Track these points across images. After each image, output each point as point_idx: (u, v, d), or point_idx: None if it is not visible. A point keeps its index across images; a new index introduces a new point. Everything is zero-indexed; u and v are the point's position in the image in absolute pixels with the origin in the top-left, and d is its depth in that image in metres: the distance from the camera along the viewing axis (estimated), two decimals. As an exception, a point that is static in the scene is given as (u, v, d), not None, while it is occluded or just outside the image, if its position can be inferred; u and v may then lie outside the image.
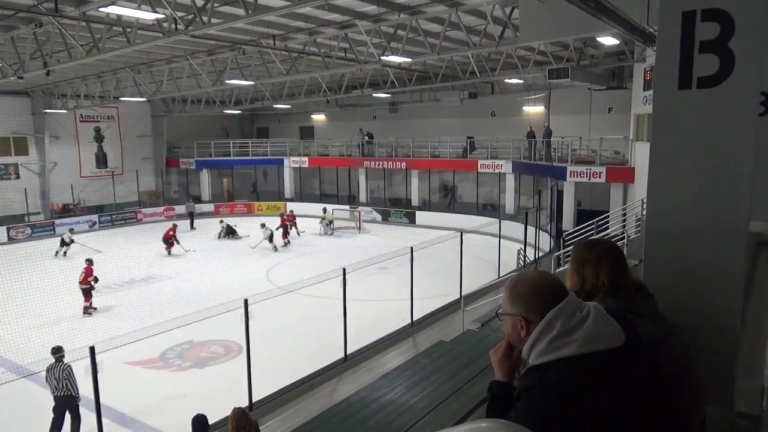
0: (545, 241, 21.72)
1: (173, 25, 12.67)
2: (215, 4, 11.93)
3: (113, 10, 11.81)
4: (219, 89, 26.38)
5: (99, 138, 32.75)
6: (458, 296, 14.26)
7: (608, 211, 19.08)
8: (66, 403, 8.90)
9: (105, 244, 23.42)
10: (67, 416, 8.95)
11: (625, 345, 1.54)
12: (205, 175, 35.86)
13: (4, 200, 28.37)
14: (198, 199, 34.20)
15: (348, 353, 11.57)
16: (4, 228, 27.19)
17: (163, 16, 12.31)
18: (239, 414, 6.76)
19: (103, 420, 8.28)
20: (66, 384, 8.80)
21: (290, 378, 10.54)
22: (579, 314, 1.55)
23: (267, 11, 12.17)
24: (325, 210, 28.23)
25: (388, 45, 15.78)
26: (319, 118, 38.07)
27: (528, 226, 19.66)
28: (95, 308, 15.86)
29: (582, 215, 20.62)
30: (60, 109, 28.66)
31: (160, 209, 33.53)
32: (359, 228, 28.87)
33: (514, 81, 24.41)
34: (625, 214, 18.02)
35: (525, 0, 11.82)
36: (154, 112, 34.14)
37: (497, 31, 14.58)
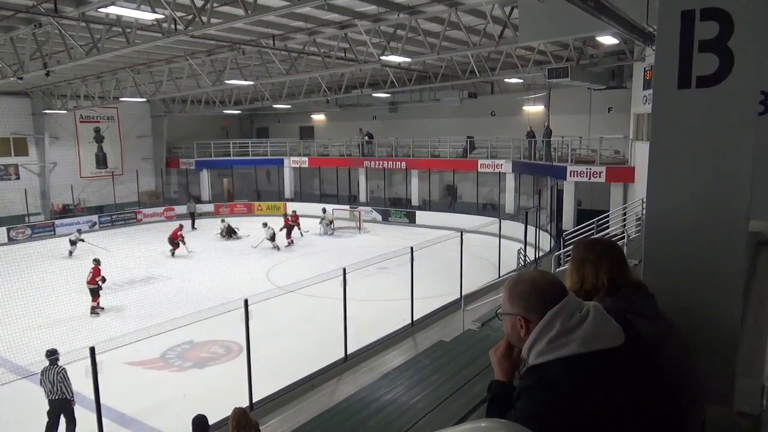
0: (545, 241, 21.72)
1: (173, 26, 12.66)
2: (215, 4, 11.92)
3: (113, 10, 11.81)
4: (219, 89, 26.38)
5: (99, 138, 32.75)
6: (458, 296, 14.26)
7: (608, 211, 19.07)
8: (61, 406, 8.82)
9: (105, 245, 23.37)
10: (62, 420, 8.87)
11: (624, 344, 1.53)
12: (205, 176, 35.85)
13: (4, 201, 28.36)
14: (198, 200, 34.20)
15: (348, 353, 11.57)
16: (4, 228, 27.18)
17: (162, 16, 12.31)
18: (239, 414, 6.77)
19: (104, 420, 8.28)
20: (61, 387, 8.72)
21: (290, 378, 10.54)
22: (578, 314, 1.55)
23: (266, 11, 12.17)
24: (324, 210, 28.23)
25: (388, 45, 15.78)
26: (318, 118, 38.07)
27: (528, 226, 19.66)
28: (102, 308, 15.86)
29: (582, 215, 20.62)
30: (60, 109, 28.65)
31: (160, 209, 33.54)
32: (359, 228, 28.87)
33: (514, 80, 24.41)
34: (625, 214, 18.03)
35: (524, -1, 11.83)
36: (154, 112, 34.14)
37: (497, 31, 14.58)
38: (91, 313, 15.59)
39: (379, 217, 31.35)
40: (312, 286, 12.63)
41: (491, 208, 28.43)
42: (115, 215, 31.56)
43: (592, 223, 17.19)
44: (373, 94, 27.93)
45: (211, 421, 7.42)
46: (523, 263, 18.66)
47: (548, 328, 1.53)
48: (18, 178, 29.50)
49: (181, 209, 32.97)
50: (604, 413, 1.44)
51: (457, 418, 5.78)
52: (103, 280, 15.85)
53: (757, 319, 3.08)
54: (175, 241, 22.83)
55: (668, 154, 2.28)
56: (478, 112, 29.43)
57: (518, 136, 26.70)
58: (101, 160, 33.00)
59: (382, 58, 16.49)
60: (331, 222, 28.04)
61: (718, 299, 2.22)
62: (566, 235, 17.83)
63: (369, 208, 31.66)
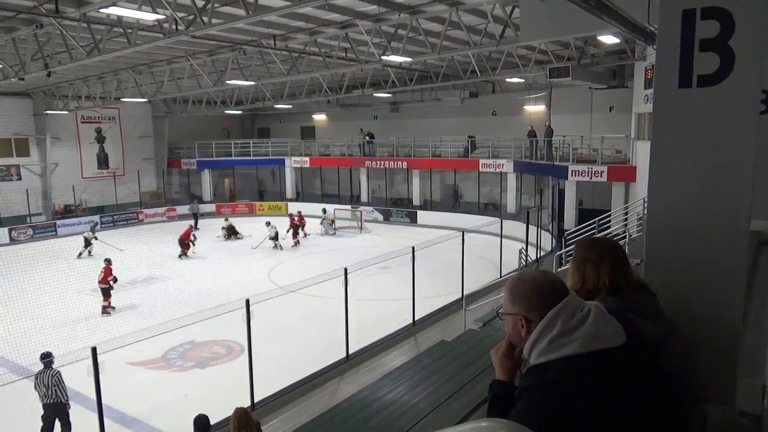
0: (547, 241, 21.71)
1: (174, 26, 12.67)
2: (215, 5, 11.93)
3: (114, 11, 11.83)
4: (220, 89, 26.38)
5: (100, 139, 32.78)
6: (460, 296, 14.26)
7: (610, 210, 19.06)
8: (56, 410, 8.72)
9: (106, 245, 23.41)
10: (57, 425, 8.80)
11: (626, 344, 1.53)
12: (206, 176, 35.87)
13: (6, 201, 28.40)
14: (201, 200, 34.23)
15: (350, 353, 11.57)
16: (5, 229, 27.21)
17: (163, 16, 12.32)
18: (241, 414, 6.77)
19: (105, 420, 8.29)
20: (56, 391, 8.62)
21: (292, 378, 10.55)
22: (580, 313, 1.55)
23: (267, 11, 12.17)
24: (324, 211, 28.22)
25: (389, 45, 15.78)
26: (320, 118, 38.08)
27: (529, 226, 19.65)
28: (114, 307, 15.88)
29: (583, 214, 20.60)
30: (61, 110, 28.71)
31: (162, 210, 33.58)
32: (361, 228, 28.88)
33: (515, 80, 24.38)
34: (626, 213, 18.01)
35: (525, -1, 11.82)
36: (155, 112, 34.16)
37: (498, 31, 14.57)
38: (103, 312, 15.62)
39: (380, 217, 31.35)
40: (313, 286, 12.62)
41: (493, 208, 28.43)
42: (116, 215, 31.58)
43: (594, 223, 17.18)
44: (374, 94, 27.93)
45: (212, 421, 7.43)
46: (524, 263, 18.65)
47: (549, 327, 1.53)
48: (20, 178, 29.54)
49: (183, 209, 33.01)
50: (605, 413, 1.44)
51: (458, 417, 5.78)
52: (115, 279, 15.91)
53: (758, 319, 3.08)
54: (185, 241, 22.74)
55: (669, 153, 2.28)
56: (479, 111, 29.41)
57: (519, 135, 26.68)
58: (103, 161, 33.03)
59: (383, 58, 16.49)
60: (333, 221, 28.05)
61: (719, 299, 2.22)
62: (568, 235, 17.81)
63: (370, 208, 31.66)
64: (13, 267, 19.24)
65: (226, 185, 37.19)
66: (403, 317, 13.54)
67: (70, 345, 10.26)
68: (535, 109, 27.57)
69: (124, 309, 15.99)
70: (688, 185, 2.25)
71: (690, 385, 1.90)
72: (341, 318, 11.49)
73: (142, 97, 25.52)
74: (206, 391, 10.59)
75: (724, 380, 2.22)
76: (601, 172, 20.83)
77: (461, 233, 15.23)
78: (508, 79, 24.10)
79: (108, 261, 16.31)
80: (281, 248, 23.82)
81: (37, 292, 15.82)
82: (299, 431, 7.94)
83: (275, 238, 23.92)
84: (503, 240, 18.33)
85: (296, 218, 25.71)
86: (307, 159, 34.96)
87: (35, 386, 8.76)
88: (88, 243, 23.07)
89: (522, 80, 24.72)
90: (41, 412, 8.78)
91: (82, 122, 31.61)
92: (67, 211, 30.61)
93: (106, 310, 15.70)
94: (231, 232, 26.65)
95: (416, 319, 13.52)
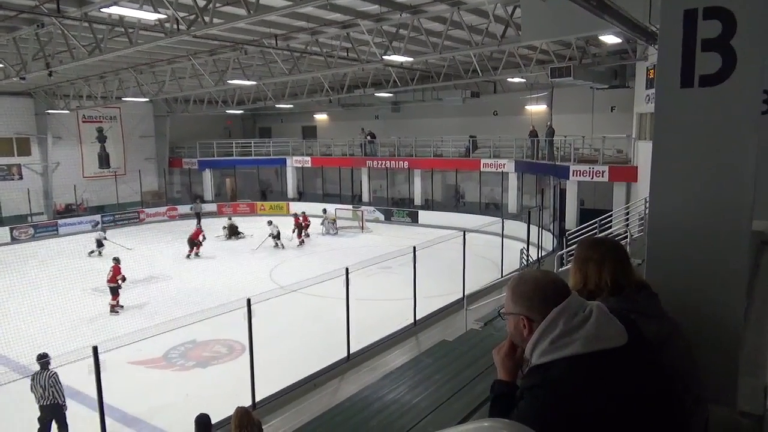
0: (548, 241, 21.70)
1: (175, 26, 12.68)
2: (217, 4, 11.95)
3: (115, 10, 11.84)
4: (221, 89, 26.39)
5: (102, 138, 32.81)
6: (461, 296, 14.25)
7: (611, 210, 19.05)
8: (53, 412, 8.64)
9: (108, 244, 23.44)
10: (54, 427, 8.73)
11: (628, 344, 1.53)
12: (207, 175, 35.89)
13: (7, 200, 28.44)
14: (202, 200, 34.25)
15: (351, 352, 11.58)
16: (7, 228, 27.24)
17: (165, 16, 12.33)
18: (242, 413, 6.78)
19: (106, 420, 8.29)
20: (52, 392, 8.54)
21: (293, 377, 10.56)
22: (582, 313, 1.55)
23: (269, 11, 12.18)
24: (325, 211, 28.22)
25: (390, 44, 15.78)
26: (321, 117, 38.08)
27: (531, 226, 19.64)
28: (122, 306, 15.92)
29: (585, 214, 20.59)
30: (62, 109, 28.74)
31: (163, 209, 33.60)
32: (362, 227, 28.88)
33: (517, 80, 24.37)
34: (628, 213, 18.00)
35: (527, -1, 11.80)
36: (157, 112, 34.19)
37: (499, 30, 14.56)
38: (111, 311, 15.67)
39: (381, 217, 31.35)
40: (315, 286, 12.63)
41: (494, 208, 28.43)
42: (117, 215, 31.59)
43: (595, 223, 17.18)
44: (376, 94, 27.93)
45: (213, 421, 7.43)
46: (525, 263, 18.64)
47: (551, 327, 1.53)
48: (21, 178, 29.58)
49: (184, 209, 33.04)
50: (607, 413, 1.44)
51: (459, 417, 5.78)
52: (123, 279, 15.97)
53: (759, 319, 3.08)
54: (195, 241, 22.75)
55: (671, 153, 2.27)
56: (480, 111, 29.40)
57: (521, 135, 26.67)
58: (104, 160, 33.06)
59: (384, 57, 16.48)
60: (334, 221, 28.07)
61: (720, 299, 2.22)
62: (569, 235, 17.80)
63: (371, 208, 31.66)
64: (15, 266, 19.29)
65: (227, 185, 37.21)
66: (404, 317, 13.54)
67: (71, 344, 10.26)
68: (536, 108, 27.55)
69: (126, 308, 15.98)
70: (689, 185, 2.25)
71: (692, 385, 1.89)
72: (342, 317, 11.49)
73: (144, 97, 25.53)
74: (207, 391, 10.59)
75: (725, 380, 2.22)
76: (603, 172, 20.83)
77: (462, 233, 15.23)
78: (509, 79, 24.09)
79: (116, 260, 16.40)
80: (283, 247, 23.85)
81: (39, 291, 15.83)
82: (300, 431, 7.95)
83: (277, 237, 23.94)
84: (504, 240, 18.32)
85: (300, 218, 25.74)
86: (308, 159, 34.97)
87: (31, 388, 8.66)
88: (100, 244, 23.14)
89: (523, 80, 24.70)
90: (38, 413, 8.68)
91: (84, 122, 31.63)
92: (68, 211, 30.63)
93: (115, 309, 15.75)
94: (232, 232, 26.66)
95: (417, 318, 13.52)
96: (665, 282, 2.25)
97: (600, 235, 15.33)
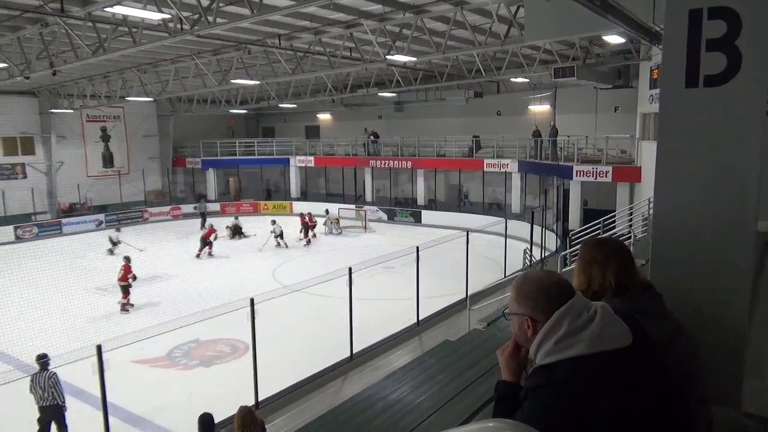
0: (551, 241, 21.66)
1: (179, 25, 12.70)
2: (220, 4, 11.95)
3: (119, 10, 11.88)
4: (225, 89, 26.42)
5: (105, 137, 32.89)
6: (464, 296, 14.25)
7: (615, 211, 19.01)
8: (53, 413, 8.53)
9: (127, 245, 23.51)
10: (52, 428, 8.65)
11: (632, 345, 1.53)
12: (211, 175, 35.95)
13: (11, 199, 28.53)
14: (207, 199, 34.29)
15: (354, 352, 11.58)
16: (11, 227, 27.33)
17: (168, 16, 12.35)
18: (245, 413, 6.78)
19: (110, 419, 8.31)
20: (52, 393, 8.44)
21: (296, 377, 10.56)
22: (586, 314, 1.55)
23: (272, 11, 12.19)
24: (327, 211, 28.23)
25: (394, 44, 15.78)
26: (324, 117, 38.10)
27: (534, 226, 19.62)
28: (132, 305, 15.98)
29: (588, 214, 20.56)
30: (66, 108, 28.81)
31: (167, 208, 33.66)
32: (365, 227, 28.89)
33: (520, 80, 24.36)
34: (631, 214, 17.96)
35: (530, -2, 11.78)
36: (160, 111, 34.25)
37: (503, 30, 14.55)
38: (122, 309, 15.73)
39: (384, 217, 31.35)
40: (318, 286, 12.64)
41: (497, 208, 28.40)
42: (121, 214, 31.66)
43: (599, 223, 17.13)
44: (379, 94, 27.92)
45: (216, 420, 7.44)
46: (529, 263, 18.63)
47: (556, 328, 1.53)
48: (25, 177, 29.68)
49: (188, 208, 33.10)
50: (611, 414, 1.44)
51: (462, 418, 5.79)
52: (134, 277, 16.04)
53: (764, 320, 3.07)
54: (208, 240, 22.80)
55: (676, 153, 2.27)
56: (483, 111, 29.38)
57: (524, 135, 26.62)
58: (108, 159, 33.14)
59: (387, 57, 16.48)
60: (337, 221, 28.09)
61: (725, 299, 2.22)
62: (572, 235, 17.77)
63: (374, 208, 31.67)
64: (18, 265, 19.33)
65: (231, 184, 37.27)
66: (408, 317, 13.54)
67: (75, 343, 10.28)
68: (539, 108, 27.51)
69: (128, 307, 15.99)
70: (694, 185, 2.25)
71: (696, 386, 1.89)
72: (345, 317, 11.50)
73: (147, 96, 25.57)
74: (210, 390, 10.60)
75: (730, 381, 2.21)
76: (606, 172, 20.79)
77: (466, 233, 15.22)
78: (512, 79, 24.07)
79: (127, 259, 16.48)
80: (286, 246, 23.90)
81: (42, 290, 15.86)
82: (303, 430, 7.96)
83: (280, 236, 23.98)
84: (507, 240, 18.31)
85: (307, 218, 25.79)
86: (311, 158, 34.98)
87: (31, 389, 8.55)
88: (114, 242, 23.25)
89: (527, 80, 24.69)
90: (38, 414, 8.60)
91: (87, 121, 31.72)
92: (72, 210, 30.70)
93: (125, 307, 15.82)
94: (236, 231, 26.69)
95: (420, 318, 13.52)
96: (670, 282, 2.25)
97: (603, 235, 15.31)
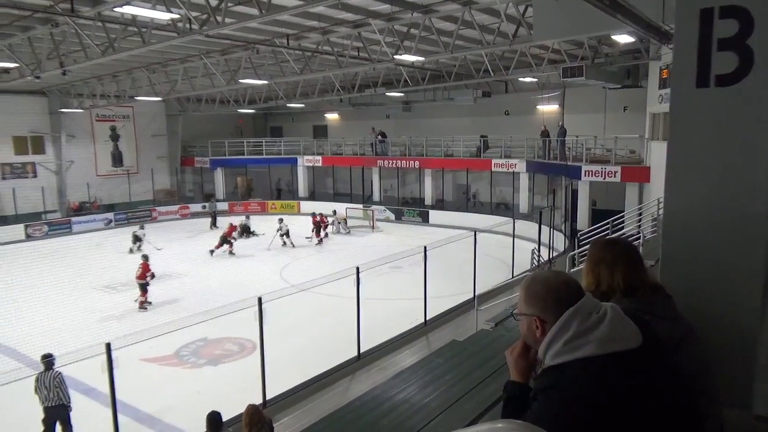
0: (559, 241, 21.58)
1: (187, 25, 12.75)
2: (229, 4, 12.00)
3: (128, 10, 11.94)
4: (233, 88, 26.51)
5: (114, 137, 33.10)
6: (472, 296, 14.22)
7: (623, 211, 18.92)
8: (58, 413, 8.46)
9: (121, 242, 23.62)
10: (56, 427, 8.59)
11: (642, 346, 1.52)
12: (219, 174, 36.07)
13: (22, 198, 28.74)
14: (216, 199, 34.38)
15: (361, 352, 11.58)
16: (21, 226, 27.54)
17: (177, 16, 12.41)
18: (253, 411, 6.80)
19: (119, 417, 8.35)
20: (58, 393, 8.36)
21: (304, 376, 10.58)
22: (595, 315, 1.54)
23: (280, 11, 12.22)
24: (335, 212, 28.25)
25: (401, 44, 15.77)
26: (332, 117, 38.14)
27: (542, 226, 19.55)
28: (150, 302, 16.06)
29: (597, 215, 20.47)
30: (76, 108, 29.03)
31: (175, 207, 33.81)
32: (372, 227, 28.89)
33: (528, 79, 24.27)
34: (640, 214, 17.87)
35: (539, -2, 11.74)
36: (169, 111, 34.41)
37: (511, 30, 14.51)
38: (140, 307, 15.83)
39: (392, 217, 31.35)
40: (325, 285, 12.65)
41: (505, 208, 28.32)
42: (130, 213, 31.83)
43: (607, 224, 17.06)
44: (387, 93, 27.92)
45: (224, 418, 7.46)
46: (537, 263, 18.57)
47: (565, 328, 1.52)
48: (35, 175, 29.90)
49: (196, 207, 33.25)
50: (621, 415, 1.43)
51: (470, 418, 5.78)
52: (152, 276, 16.14)
53: (775, 321, 3.04)
54: (228, 238, 22.89)
55: (686, 153, 2.26)
56: (491, 111, 29.32)
57: (532, 135, 26.54)
58: (117, 159, 33.35)
59: (395, 57, 16.48)
60: (345, 221, 28.11)
61: (737, 301, 2.20)
62: (581, 236, 17.70)
63: (382, 207, 31.66)
64: (29, 263, 19.47)
65: (239, 183, 37.38)
66: (415, 317, 13.53)
67: (83, 341, 10.32)
68: (548, 108, 27.40)
69: (137, 305, 16.06)
70: (705, 186, 2.23)
71: (706, 388, 1.88)
72: (353, 317, 11.50)
73: (156, 96, 25.70)
74: (218, 388, 10.63)
75: (741, 384, 2.19)
76: (615, 172, 20.69)
77: (473, 233, 15.19)
78: (521, 79, 23.99)
79: (145, 257, 16.60)
80: (292, 245, 23.94)
81: (52, 288, 15.98)
82: (311, 429, 7.97)
83: (286, 234, 24.04)
84: (515, 240, 18.25)
85: (318, 217, 25.85)
86: (319, 158, 35.02)
87: (35, 389, 8.45)
88: (137, 239, 23.41)
89: (535, 80, 24.60)
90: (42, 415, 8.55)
91: (97, 120, 31.92)
92: (82, 209, 30.90)
93: (143, 305, 15.92)
94: (244, 230, 26.75)
95: (428, 318, 13.51)
96: (680, 283, 2.24)
97: (612, 235, 15.24)
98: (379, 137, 32.89)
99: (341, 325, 12.55)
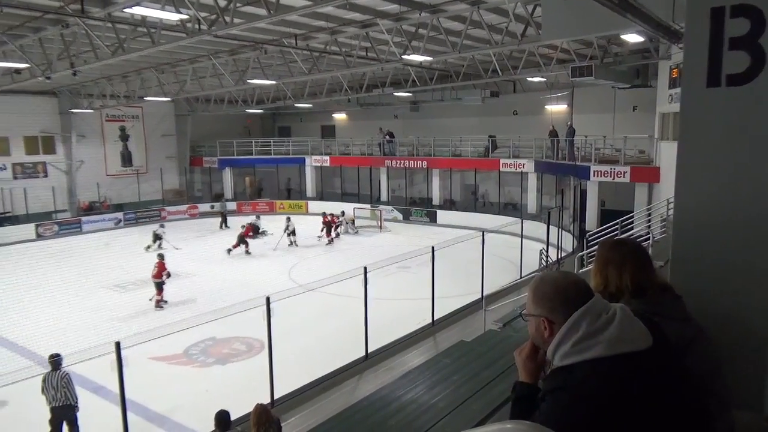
0: (568, 242, 21.51)
1: (196, 26, 12.80)
2: (238, 5, 12.03)
3: (138, 11, 11.98)
4: (241, 89, 26.59)
5: (124, 137, 33.31)
6: (479, 296, 14.19)
7: (633, 211, 18.81)
8: (65, 413, 8.41)
9: (130, 242, 23.75)
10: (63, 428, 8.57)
11: (652, 347, 1.51)
12: (227, 174, 36.20)
13: (32, 198, 28.97)
14: (226, 198, 34.49)
15: (369, 352, 11.58)
16: (32, 225, 27.75)
17: (186, 16, 12.45)
18: (261, 410, 6.82)
19: (129, 415, 8.39)
20: (65, 393, 8.31)
21: (311, 376, 10.59)
22: (605, 315, 1.53)
23: (289, 11, 12.24)
24: (343, 213, 28.26)
25: (410, 44, 15.76)
26: (340, 117, 38.18)
27: (550, 226, 19.48)
28: (166, 301, 16.16)
29: (606, 215, 20.36)
30: (86, 108, 29.24)
31: (184, 207, 33.96)
32: (380, 227, 28.90)
33: (537, 79, 24.20)
34: (650, 215, 17.76)
35: (548, -3, 11.69)
36: (178, 111, 34.57)
37: (519, 29, 14.46)
38: (156, 306, 15.93)
39: (400, 217, 31.33)
40: (333, 285, 12.65)
41: (513, 208, 28.25)
42: (139, 213, 32.00)
43: (616, 224, 16.96)
44: (395, 93, 27.89)
45: (233, 417, 7.48)
46: (545, 264, 18.51)
47: (574, 329, 1.51)
48: (46, 175, 30.14)
49: (205, 207, 33.39)
50: (630, 416, 1.42)
51: (478, 419, 5.77)
52: (168, 275, 16.23)
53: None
54: (245, 238, 23.00)
55: (697, 153, 2.24)
56: (500, 111, 29.25)
57: (541, 135, 26.44)
58: (126, 159, 33.56)
59: (403, 57, 16.46)
60: (353, 221, 28.14)
61: (747, 301, 2.18)
62: (590, 236, 17.61)
63: (390, 207, 31.65)
64: (39, 262, 19.60)
65: (248, 183, 37.49)
66: (423, 317, 13.52)
67: (93, 339, 10.38)
68: (556, 108, 27.31)
69: (146, 305, 16.12)
70: (715, 186, 2.22)
71: (717, 389, 1.86)
72: (360, 316, 11.50)
73: (165, 96, 25.83)
74: (227, 388, 10.67)
75: (752, 385, 2.18)
76: (624, 172, 20.57)
77: (481, 233, 15.16)
78: (529, 79, 23.94)
79: (161, 257, 16.70)
80: (296, 245, 23.99)
81: (62, 287, 16.08)
82: (318, 429, 7.98)
83: (292, 233, 24.10)
84: (524, 240, 18.20)
85: (329, 217, 25.90)
86: (327, 158, 35.05)
87: (42, 389, 8.39)
88: (157, 237, 23.62)
89: (544, 79, 24.52)
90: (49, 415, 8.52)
91: (107, 120, 32.14)
92: (92, 208, 31.09)
93: (159, 303, 16.02)
94: (253, 230, 26.78)
95: (435, 318, 13.49)
96: (691, 284, 2.22)
97: (621, 236, 15.15)
98: (387, 137, 32.88)
99: (349, 325, 12.55)
